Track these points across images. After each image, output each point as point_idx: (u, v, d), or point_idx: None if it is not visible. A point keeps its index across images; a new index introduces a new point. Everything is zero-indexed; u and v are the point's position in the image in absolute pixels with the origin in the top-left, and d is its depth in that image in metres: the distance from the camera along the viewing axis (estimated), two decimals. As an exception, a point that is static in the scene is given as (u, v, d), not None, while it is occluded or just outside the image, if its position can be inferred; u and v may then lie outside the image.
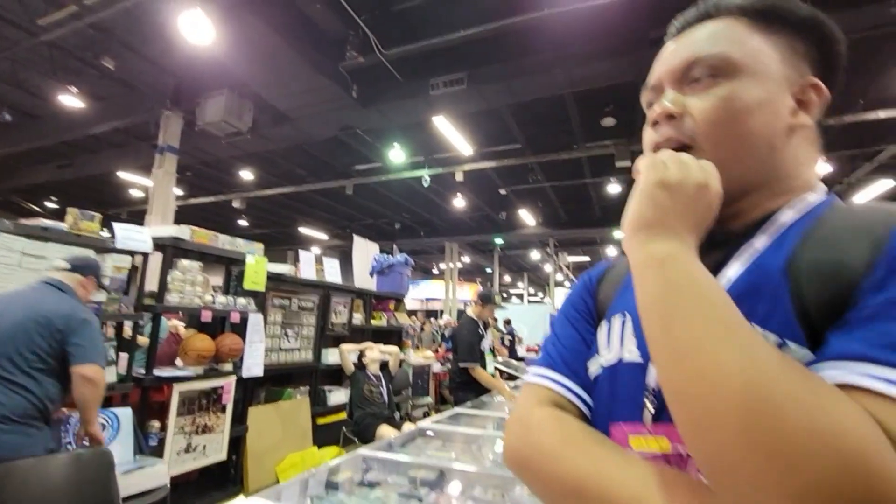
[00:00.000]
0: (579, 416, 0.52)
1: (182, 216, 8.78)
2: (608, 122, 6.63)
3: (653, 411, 0.47)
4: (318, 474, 1.46)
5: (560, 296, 15.56)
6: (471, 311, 3.57)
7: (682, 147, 0.48)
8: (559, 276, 16.75)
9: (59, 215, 2.31)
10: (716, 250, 0.48)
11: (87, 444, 1.96)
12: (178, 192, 9.24)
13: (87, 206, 2.35)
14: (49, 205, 11.93)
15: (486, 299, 3.53)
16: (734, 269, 0.46)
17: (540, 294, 24.52)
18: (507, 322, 9.86)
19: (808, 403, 0.28)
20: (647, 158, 0.46)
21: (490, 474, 1.47)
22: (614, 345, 0.53)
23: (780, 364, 0.31)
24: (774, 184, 0.49)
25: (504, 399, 3.14)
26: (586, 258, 17.18)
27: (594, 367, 0.55)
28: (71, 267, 1.87)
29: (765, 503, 0.28)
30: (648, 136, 0.52)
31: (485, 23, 4.47)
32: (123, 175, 9.01)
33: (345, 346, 3.60)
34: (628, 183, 8.76)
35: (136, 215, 11.31)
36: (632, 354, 0.50)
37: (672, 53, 0.52)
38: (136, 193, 10.55)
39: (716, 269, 0.47)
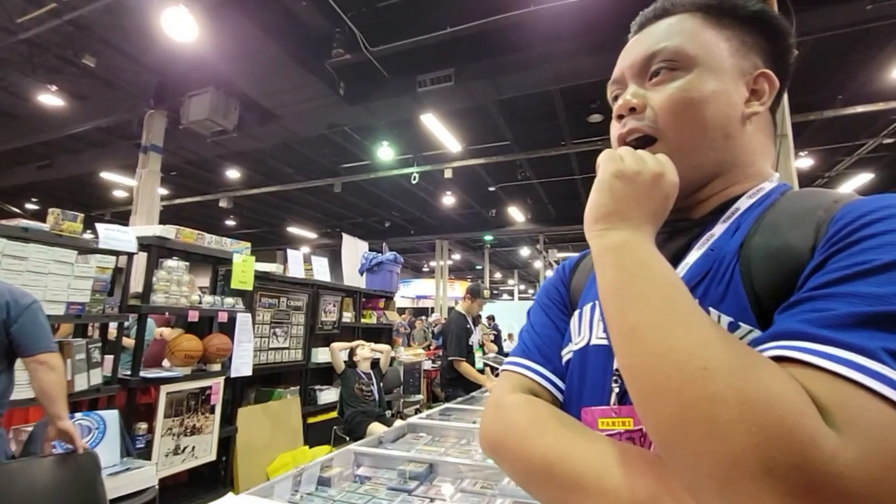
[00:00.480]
0: (552, 401, 0.54)
1: (167, 217, 8.67)
2: (595, 118, 6.69)
3: (618, 393, 0.49)
4: (308, 470, 1.46)
5: (550, 292, 15.61)
6: (460, 307, 3.59)
7: (645, 137, 0.50)
8: (549, 273, 16.86)
9: (40, 217, 2.27)
10: (679, 238, 0.52)
11: (57, 449, 1.70)
12: (163, 191, 9.10)
13: (70, 208, 2.31)
14: (30, 206, 11.68)
15: (474, 293, 3.56)
16: (693, 255, 0.48)
17: (531, 290, 24.64)
18: (491, 318, 9.91)
19: (742, 376, 0.30)
20: (606, 152, 0.48)
21: (479, 466, 1.49)
22: (584, 330, 0.55)
23: (721, 342, 0.33)
24: (732, 171, 0.51)
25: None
26: (576, 255, 17.27)
27: (566, 353, 0.57)
28: None
29: (706, 471, 0.30)
30: (614, 128, 0.55)
31: (471, 19, 4.47)
32: (106, 175, 8.84)
33: (336, 345, 3.60)
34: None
35: (121, 216, 11.13)
36: (600, 339, 0.52)
37: (631, 49, 0.55)
38: (119, 194, 10.37)
39: (678, 255, 0.50)
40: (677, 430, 0.31)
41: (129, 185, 8.47)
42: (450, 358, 3.29)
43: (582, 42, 4.68)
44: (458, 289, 16.78)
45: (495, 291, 22.74)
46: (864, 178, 8.47)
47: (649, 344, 0.35)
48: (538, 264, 16.40)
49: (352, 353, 3.59)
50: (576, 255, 0.71)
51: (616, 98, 0.55)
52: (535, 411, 0.50)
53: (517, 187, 9.68)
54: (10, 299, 1.60)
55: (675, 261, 0.50)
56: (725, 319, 0.41)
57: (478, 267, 18.41)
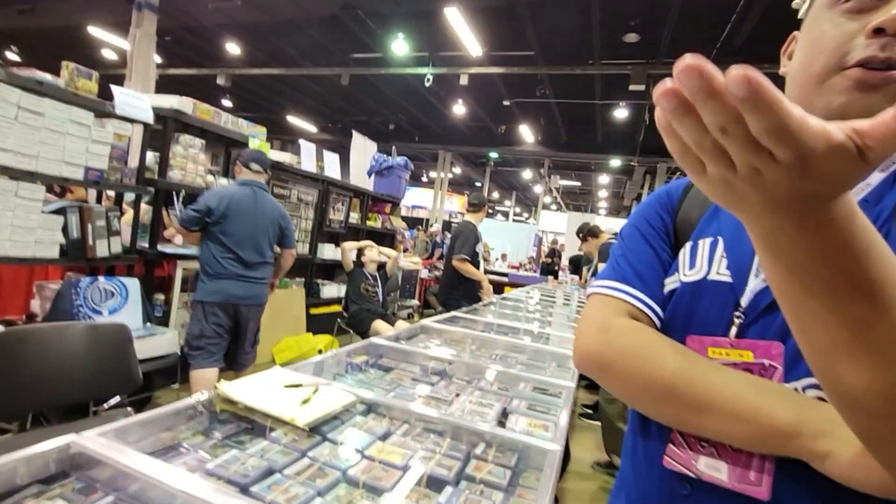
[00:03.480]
0: (652, 326, 0.55)
1: (161, 87, 8.15)
2: (631, 37, 6.22)
3: (738, 327, 0.51)
4: (337, 356, 1.56)
5: (546, 218, 15.72)
6: (470, 217, 3.65)
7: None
8: (547, 199, 16.79)
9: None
10: None
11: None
12: (157, 59, 8.43)
13: (54, 63, 2.12)
14: (10, 55, 10.79)
15: (483, 202, 3.63)
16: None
17: (525, 214, 24.73)
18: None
19: None
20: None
21: (494, 369, 1.60)
22: (700, 264, 0.55)
23: None
24: None
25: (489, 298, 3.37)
26: (577, 183, 17.13)
27: (671, 283, 0.57)
28: (265, 171, 2.57)
29: None
30: (846, 35, 0.43)
31: None
32: (94, 31, 8.09)
33: (347, 244, 3.64)
34: (637, 109, 8.51)
35: (111, 80, 10.39)
36: (721, 275, 0.52)
37: None
38: (109, 55, 9.60)
39: None
40: None
41: (120, 45, 7.80)
42: (460, 256, 3.36)
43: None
44: (456, 202, 16.73)
45: (490, 211, 22.76)
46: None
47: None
48: (538, 188, 16.26)
49: (360, 253, 3.65)
50: (682, 180, 0.67)
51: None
52: (650, 337, 0.52)
53: (533, 104, 9.23)
54: (282, 213, 2.63)
55: None
56: None
57: (477, 183, 18.20)
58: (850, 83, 0.42)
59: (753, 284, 0.49)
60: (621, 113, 8.86)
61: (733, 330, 0.51)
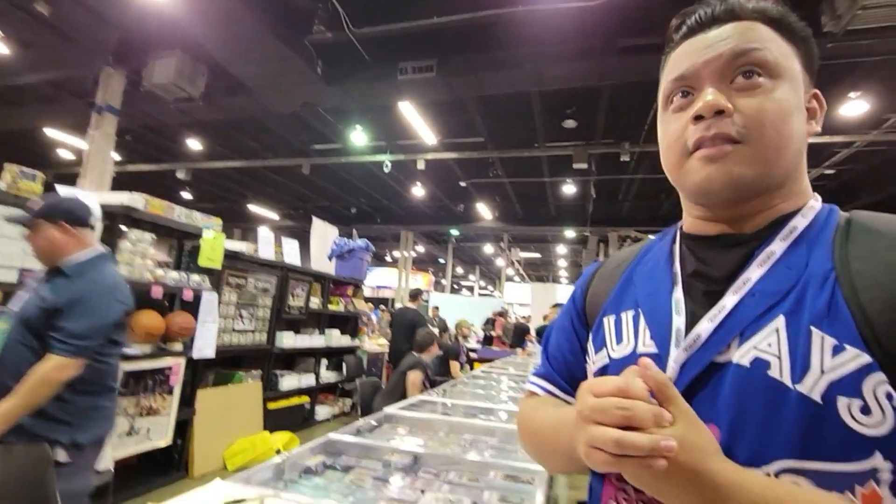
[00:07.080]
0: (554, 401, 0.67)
1: (118, 184, 8.09)
2: (569, 123, 6.86)
3: None
4: (291, 458, 1.43)
5: (509, 290, 15.95)
6: (411, 304, 3.74)
7: (729, 141, 0.48)
8: (510, 271, 17.17)
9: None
10: (734, 251, 0.51)
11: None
12: (116, 156, 8.47)
13: (2, 165, 2.09)
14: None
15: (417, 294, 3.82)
16: (756, 273, 0.48)
17: (490, 287, 25.00)
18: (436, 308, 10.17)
19: None
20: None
21: (463, 459, 1.51)
22: (627, 338, 0.55)
23: None
24: (788, 186, 0.51)
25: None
26: (537, 255, 17.71)
27: (600, 361, 0.57)
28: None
29: None
30: (681, 128, 0.51)
31: (459, 11, 4.44)
32: (51, 133, 8.12)
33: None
34: (583, 184, 9.16)
35: (65, 178, 10.23)
36: (647, 346, 0.52)
37: (708, 47, 0.50)
38: (65, 154, 9.57)
39: (736, 270, 0.49)
40: None
41: (77, 145, 7.83)
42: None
43: (566, 47, 4.75)
44: (421, 280, 16.77)
45: (456, 286, 22.89)
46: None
47: None
48: (500, 262, 16.65)
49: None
50: (597, 262, 0.71)
51: (686, 94, 0.52)
52: (531, 404, 0.68)
53: (487, 184, 9.77)
54: None
55: (735, 274, 0.49)
56: (830, 341, 0.40)
57: (440, 260, 18.45)
58: (701, 162, 0.49)
59: (675, 354, 0.48)
60: (569, 188, 9.50)
61: None
